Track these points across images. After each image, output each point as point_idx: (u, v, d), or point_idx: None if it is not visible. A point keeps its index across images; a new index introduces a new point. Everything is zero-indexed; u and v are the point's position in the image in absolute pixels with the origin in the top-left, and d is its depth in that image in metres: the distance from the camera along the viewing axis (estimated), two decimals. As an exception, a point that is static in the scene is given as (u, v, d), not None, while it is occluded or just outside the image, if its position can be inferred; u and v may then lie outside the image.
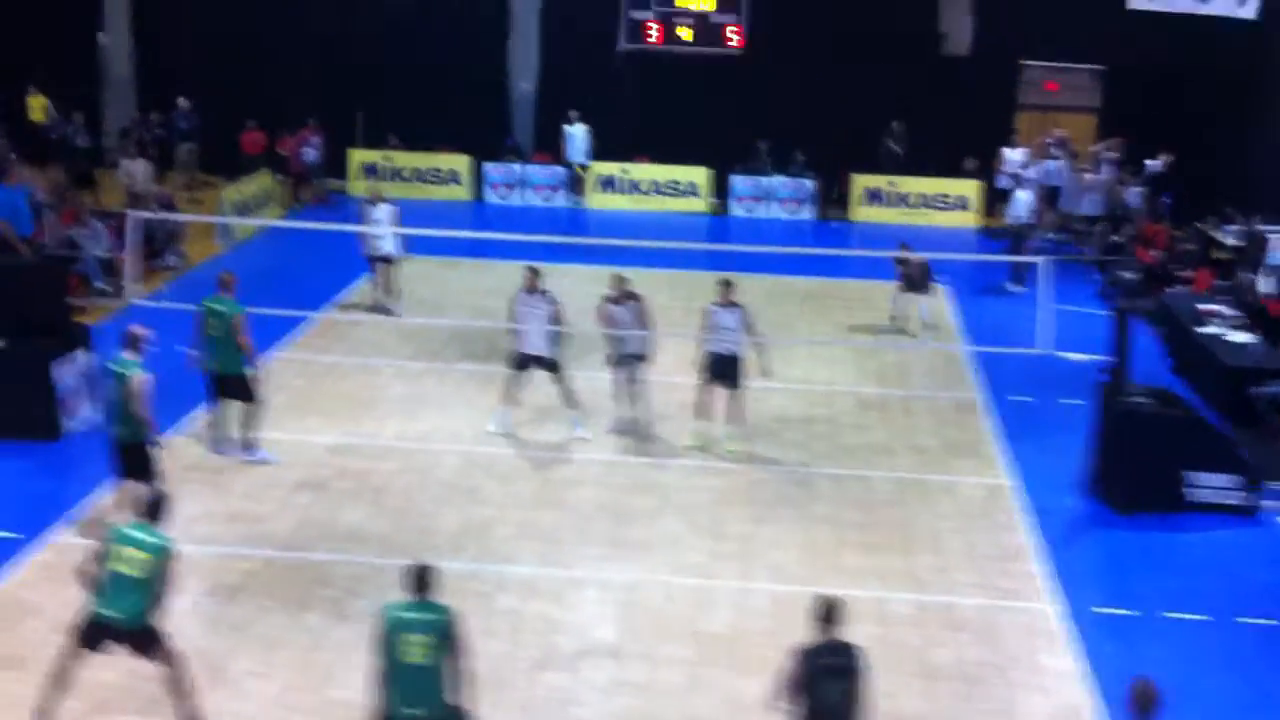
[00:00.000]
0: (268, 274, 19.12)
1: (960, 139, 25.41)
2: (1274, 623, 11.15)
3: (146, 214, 18.46)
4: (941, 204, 26.10)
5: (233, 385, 13.38)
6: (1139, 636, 10.81)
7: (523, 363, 14.41)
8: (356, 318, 18.50)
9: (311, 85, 25.72)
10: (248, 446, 13.45)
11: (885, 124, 26.07)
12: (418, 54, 25.83)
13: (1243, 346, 16.42)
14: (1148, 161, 23.84)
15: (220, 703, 9.25)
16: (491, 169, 26.63)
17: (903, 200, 26.08)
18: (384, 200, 18.95)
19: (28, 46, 26.11)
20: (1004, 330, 18.21)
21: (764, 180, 26.27)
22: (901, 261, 18.67)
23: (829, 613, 7.84)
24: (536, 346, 14.27)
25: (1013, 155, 24.92)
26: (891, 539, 12.38)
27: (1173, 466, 13.08)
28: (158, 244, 19.98)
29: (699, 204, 26.40)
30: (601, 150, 26.38)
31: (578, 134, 26.26)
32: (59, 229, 19.17)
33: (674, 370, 14.98)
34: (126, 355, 11.35)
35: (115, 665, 9.01)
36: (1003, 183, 24.57)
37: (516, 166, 26.66)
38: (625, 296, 14.36)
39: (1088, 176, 24.02)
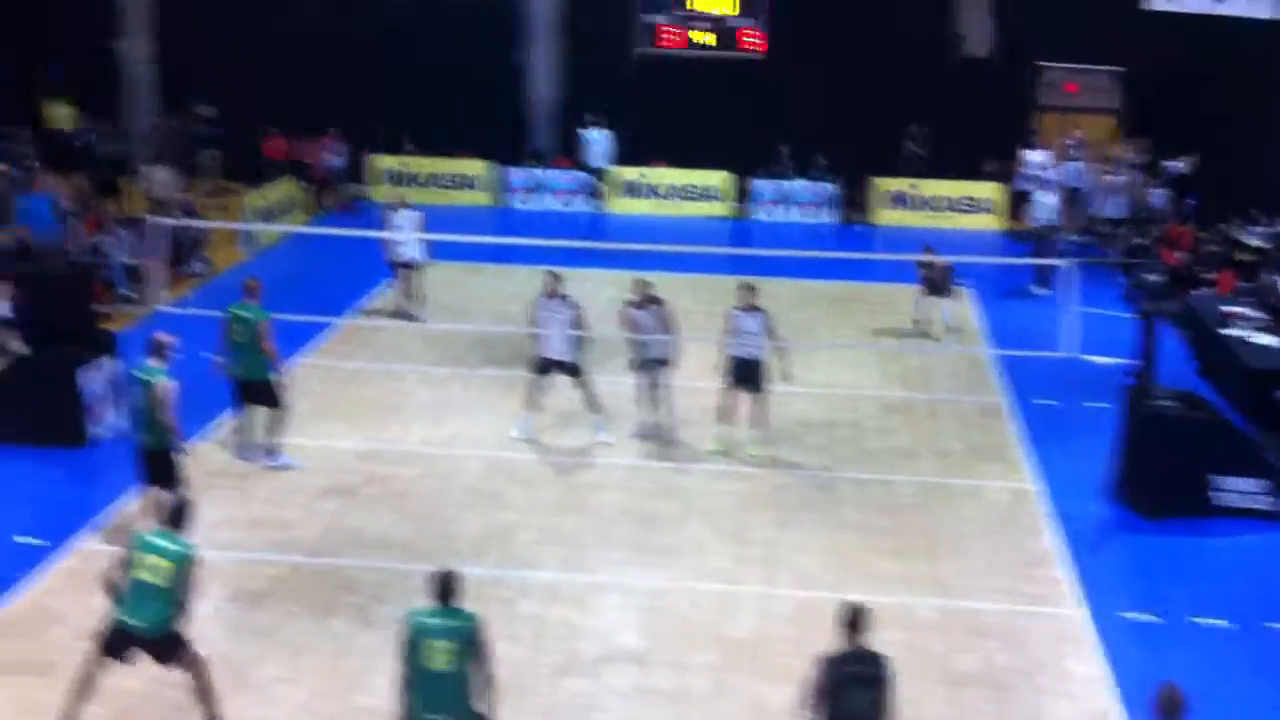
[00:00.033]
0: (292, 280, 19.18)
1: (980, 141, 25.33)
2: (1302, 628, 11.08)
3: (170, 221, 18.56)
4: (965, 207, 26.02)
5: (258, 391, 13.42)
6: (1165, 642, 10.73)
7: (544, 367, 14.41)
8: (380, 323, 18.55)
9: (331, 92, 25.76)
10: (271, 452, 13.49)
11: (904, 127, 26.03)
12: (435, 58, 25.81)
13: (1267, 349, 16.32)
14: (1168, 163, 23.71)
15: (246, 709, 9.28)
16: (513, 174, 26.69)
17: (926, 204, 26.02)
18: (407, 206, 19.02)
19: (49, 55, 26.21)
20: (1028, 333, 18.08)
21: (785, 184, 26.26)
22: (924, 265, 18.62)
23: (855, 619, 7.78)
24: (558, 351, 14.26)
25: (1033, 157, 24.84)
26: (916, 544, 12.33)
27: (1199, 470, 12.98)
28: (183, 251, 20.08)
29: (720, 208, 26.37)
30: (622, 155, 26.40)
31: (596, 139, 26.28)
32: (83, 236, 19.29)
33: (697, 375, 14.95)
34: (152, 362, 11.38)
35: (139, 672, 9.03)
36: (1022, 184, 24.49)
37: (537, 171, 26.72)
38: (648, 301, 14.35)
39: (1108, 178, 23.92)
